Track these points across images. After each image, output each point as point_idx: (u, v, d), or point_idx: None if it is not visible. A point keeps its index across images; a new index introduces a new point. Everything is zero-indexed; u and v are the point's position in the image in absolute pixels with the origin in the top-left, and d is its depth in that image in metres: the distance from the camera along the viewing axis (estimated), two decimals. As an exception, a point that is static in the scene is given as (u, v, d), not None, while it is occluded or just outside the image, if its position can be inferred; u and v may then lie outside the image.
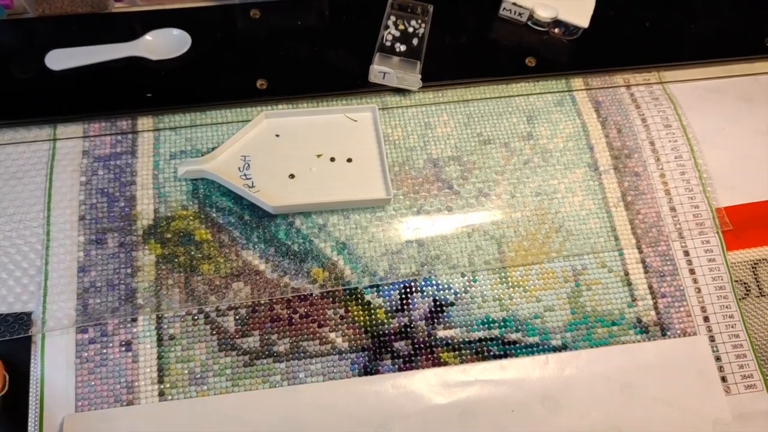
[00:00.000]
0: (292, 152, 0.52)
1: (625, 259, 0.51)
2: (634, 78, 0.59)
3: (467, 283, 0.49)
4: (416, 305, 0.49)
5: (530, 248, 0.51)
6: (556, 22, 0.59)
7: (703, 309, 0.50)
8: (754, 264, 0.51)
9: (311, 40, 0.59)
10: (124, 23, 0.58)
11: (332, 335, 0.47)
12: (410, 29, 0.58)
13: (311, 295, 0.48)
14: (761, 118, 0.58)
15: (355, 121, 0.55)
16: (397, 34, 0.57)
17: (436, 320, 0.48)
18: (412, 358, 0.47)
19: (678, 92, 0.58)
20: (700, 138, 0.56)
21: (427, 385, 0.46)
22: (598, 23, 0.59)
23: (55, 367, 0.45)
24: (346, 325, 0.48)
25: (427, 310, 0.49)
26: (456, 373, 0.46)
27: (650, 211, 0.53)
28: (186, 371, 0.46)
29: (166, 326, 0.47)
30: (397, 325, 0.48)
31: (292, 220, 0.51)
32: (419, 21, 0.58)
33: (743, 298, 0.50)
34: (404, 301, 0.49)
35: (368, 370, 0.47)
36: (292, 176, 0.51)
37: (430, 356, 0.47)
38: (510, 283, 0.50)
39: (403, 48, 0.56)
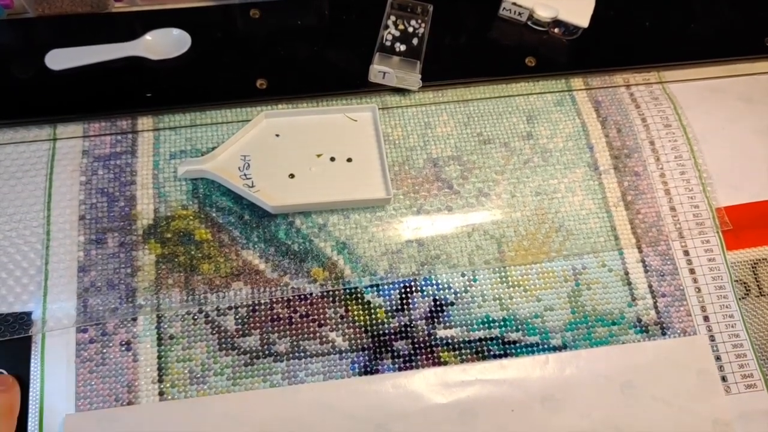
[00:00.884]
0: (292, 152, 0.52)
1: (625, 258, 0.51)
2: (633, 78, 0.59)
3: (467, 283, 0.49)
4: (416, 305, 0.49)
5: (530, 248, 0.51)
6: (556, 22, 0.59)
7: (703, 309, 0.50)
8: (754, 264, 0.51)
9: (311, 40, 0.59)
10: (124, 23, 0.58)
11: (332, 335, 0.47)
12: (410, 29, 0.58)
13: (311, 294, 0.48)
14: (761, 118, 0.58)
15: (355, 121, 0.55)
16: (397, 34, 0.57)
17: (436, 320, 0.48)
18: (412, 357, 0.47)
19: (678, 92, 0.58)
20: (700, 138, 0.56)
21: (427, 384, 0.46)
22: (598, 23, 0.59)
23: (55, 366, 0.45)
24: (346, 325, 0.48)
25: (427, 309, 0.49)
26: (456, 373, 0.47)
27: (650, 211, 0.53)
28: (186, 371, 0.46)
29: (166, 326, 0.47)
30: (397, 324, 0.48)
31: (292, 219, 0.51)
32: (419, 21, 0.58)
33: (743, 298, 0.50)
34: (404, 301, 0.49)
35: (368, 370, 0.47)
36: (291, 176, 0.51)
37: (430, 356, 0.47)
38: (510, 283, 0.50)
39: (403, 48, 0.56)
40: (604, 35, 0.60)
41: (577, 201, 0.53)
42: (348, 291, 0.49)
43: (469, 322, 0.48)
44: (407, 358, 0.47)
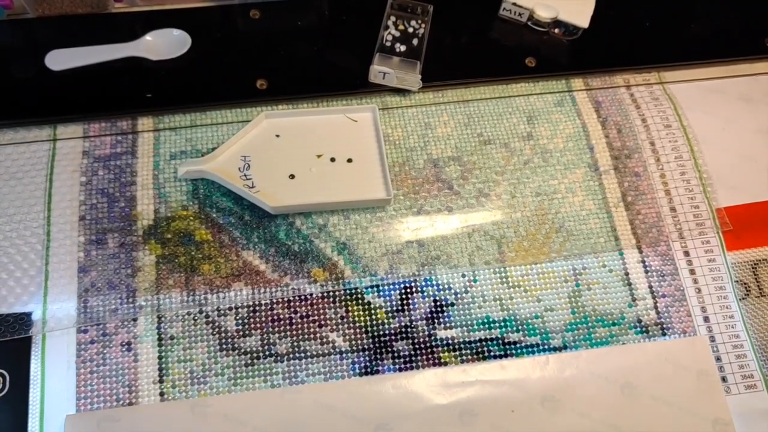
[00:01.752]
0: (292, 152, 0.52)
1: (625, 259, 0.51)
2: (634, 78, 0.59)
3: (467, 284, 0.49)
4: (416, 305, 0.49)
5: (530, 248, 0.51)
6: (556, 23, 0.59)
7: (703, 309, 0.50)
8: (754, 264, 0.51)
9: (311, 40, 0.59)
10: (124, 23, 0.58)
11: (332, 335, 0.47)
12: (410, 29, 0.58)
13: (311, 295, 0.48)
14: (761, 118, 0.58)
15: (355, 121, 0.54)
16: (397, 34, 0.57)
17: (436, 320, 0.48)
18: (413, 358, 0.47)
19: (678, 92, 0.58)
20: (700, 138, 0.56)
21: (428, 385, 0.46)
22: (598, 23, 0.59)
23: (55, 367, 0.45)
24: (346, 326, 0.48)
25: (428, 310, 0.49)
26: (456, 374, 0.47)
27: (650, 212, 0.53)
28: (187, 371, 0.46)
29: (166, 326, 0.47)
30: (397, 325, 0.48)
31: (292, 220, 0.51)
32: (419, 21, 0.58)
33: (743, 298, 0.50)
34: (404, 302, 0.49)
35: (368, 371, 0.47)
36: (292, 176, 0.51)
37: (430, 356, 0.47)
38: (510, 284, 0.50)
39: (403, 48, 0.56)
40: (604, 35, 0.60)
41: (577, 201, 0.53)
42: (348, 291, 0.49)
43: (469, 322, 0.48)
44: (407, 359, 0.47)
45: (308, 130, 0.54)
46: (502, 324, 0.48)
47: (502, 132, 0.55)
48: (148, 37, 0.57)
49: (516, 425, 0.45)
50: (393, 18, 0.58)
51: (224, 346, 0.47)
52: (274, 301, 0.48)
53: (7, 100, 0.54)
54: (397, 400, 0.45)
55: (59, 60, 0.55)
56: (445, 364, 0.47)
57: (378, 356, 0.47)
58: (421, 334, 0.48)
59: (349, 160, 0.52)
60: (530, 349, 0.48)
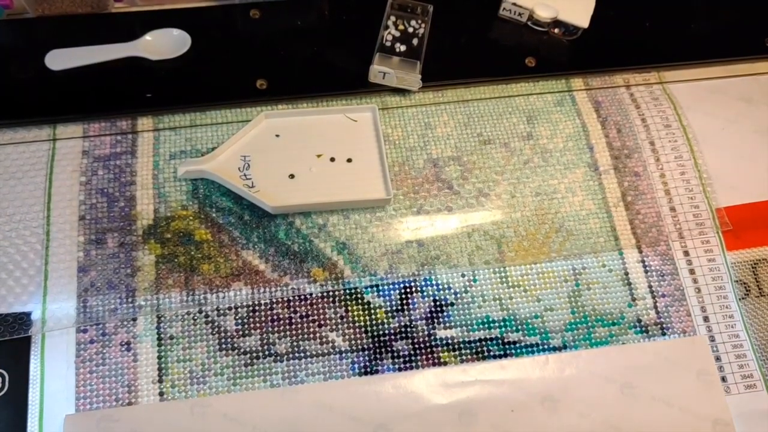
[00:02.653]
0: (292, 152, 0.52)
1: (625, 259, 0.51)
2: (634, 78, 0.59)
3: (467, 283, 0.49)
4: (416, 305, 0.49)
5: (530, 248, 0.51)
6: (556, 22, 0.59)
7: (703, 309, 0.50)
8: (754, 264, 0.51)
9: (311, 40, 0.59)
10: (124, 23, 0.58)
11: (332, 335, 0.47)
12: (410, 29, 0.58)
13: (311, 295, 0.48)
14: (761, 118, 0.58)
15: (355, 121, 0.54)
16: (397, 34, 0.57)
17: (436, 320, 0.48)
18: (412, 358, 0.47)
19: (678, 92, 0.58)
20: (700, 138, 0.56)
21: (427, 385, 0.46)
22: (598, 23, 0.59)
23: (55, 367, 0.45)
24: (346, 325, 0.48)
25: (427, 310, 0.49)
26: (456, 373, 0.46)
27: (650, 211, 0.53)
28: (186, 371, 0.46)
29: (166, 326, 0.47)
30: (397, 325, 0.48)
31: (292, 220, 0.51)
32: (419, 21, 0.58)
33: (743, 298, 0.50)
34: (404, 301, 0.49)
35: (368, 370, 0.47)
36: (292, 176, 0.51)
37: (430, 356, 0.47)
38: (510, 283, 0.50)
39: (403, 48, 0.56)
40: (604, 35, 0.60)
41: (577, 201, 0.53)
42: (348, 291, 0.49)
43: (469, 322, 0.48)
44: (407, 359, 0.47)
45: (308, 130, 0.54)
46: (502, 324, 0.48)
47: (501, 132, 0.55)
48: (148, 37, 0.57)
49: (516, 425, 0.45)
50: (393, 18, 0.58)
51: (224, 346, 0.47)
52: (274, 300, 0.48)
53: (7, 100, 0.54)
54: (397, 400, 0.45)
55: (59, 60, 0.55)
56: (445, 363, 0.47)
57: (378, 356, 0.47)
58: (420, 333, 0.48)
59: (349, 160, 0.52)
60: (530, 349, 0.48)
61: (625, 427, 0.46)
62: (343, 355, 0.47)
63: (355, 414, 0.45)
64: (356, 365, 0.47)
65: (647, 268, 0.51)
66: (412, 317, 0.48)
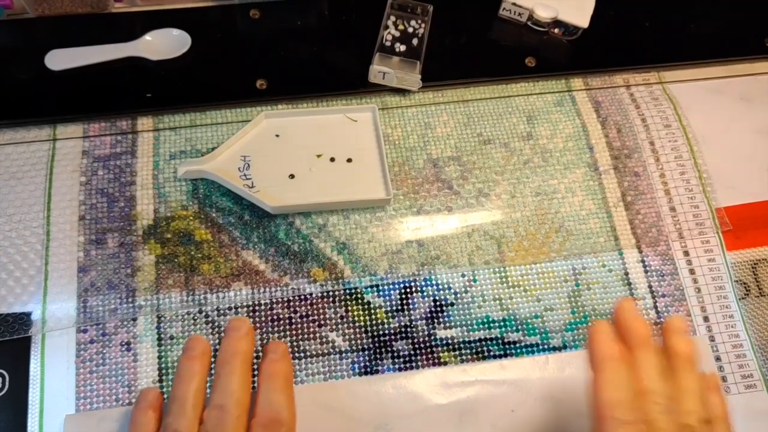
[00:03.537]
0: (292, 152, 0.52)
1: (625, 259, 0.51)
2: (633, 78, 0.59)
3: (467, 283, 0.49)
4: (416, 305, 0.49)
5: (530, 248, 0.51)
6: (556, 22, 0.59)
7: (703, 309, 0.50)
8: (754, 264, 0.51)
9: (311, 40, 0.59)
10: (123, 23, 0.58)
11: (332, 335, 0.47)
12: (410, 29, 0.58)
13: (311, 295, 0.48)
14: (761, 118, 0.58)
15: (355, 121, 0.55)
16: (397, 34, 0.57)
17: (436, 320, 0.48)
18: (412, 358, 0.47)
19: (678, 92, 0.58)
20: (700, 138, 0.56)
21: (427, 385, 0.46)
22: (598, 23, 0.59)
23: (55, 367, 0.45)
24: (346, 325, 0.48)
25: (427, 310, 0.49)
26: (456, 373, 0.47)
27: (650, 211, 0.53)
28: (186, 371, 0.46)
29: (166, 326, 0.47)
30: (397, 325, 0.48)
31: (292, 220, 0.51)
32: (419, 21, 0.58)
33: (743, 298, 0.50)
34: (404, 301, 0.49)
35: (368, 370, 0.47)
36: (292, 176, 0.51)
37: (430, 356, 0.47)
38: (510, 283, 0.50)
39: (403, 48, 0.56)
40: (604, 35, 0.60)
41: (577, 201, 0.53)
42: (348, 291, 0.49)
43: (469, 322, 0.48)
44: (407, 359, 0.47)
45: (308, 130, 0.54)
46: (502, 324, 0.48)
47: (501, 132, 0.56)
48: (147, 37, 0.57)
49: (516, 425, 0.45)
50: (393, 18, 0.58)
51: (224, 346, 0.46)
52: (274, 300, 0.48)
53: (7, 100, 0.54)
54: (397, 400, 0.45)
55: (59, 60, 0.55)
56: (445, 363, 0.47)
57: (378, 356, 0.47)
58: (420, 333, 0.48)
59: (349, 160, 0.52)
60: (530, 349, 0.48)
61: (625, 427, 0.46)
62: (343, 355, 0.47)
63: (355, 414, 0.45)
64: (356, 365, 0.47)
65: (647, 268, 0.51)
66: (412, 317, 0.48)
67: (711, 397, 0.38)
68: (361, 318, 0.48)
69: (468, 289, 0.49)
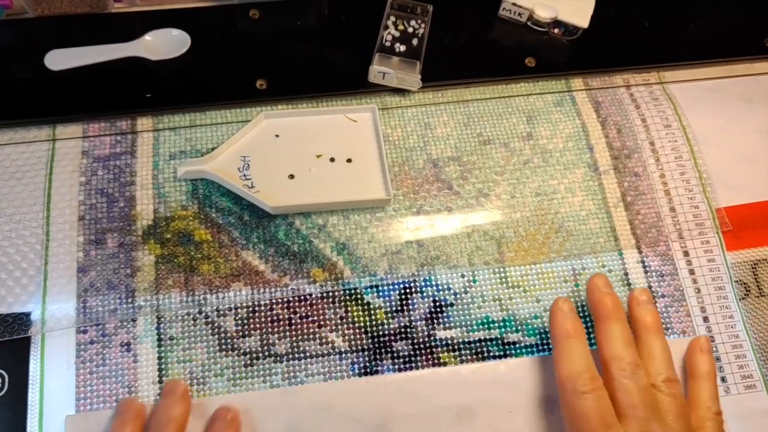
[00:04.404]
0: (292, 152, 0.52)
1: (625, 259, 0.51)
2: (633, 78, 0.59)
3: (467, 284, 0.49)
4: (416, 306, 0.49)
5: (530, 248, 0.51)
6: (556, 23, 0.59)
7: (703, 309, 0.50)
8: (754, 264, 0.51)
9: (311, 40, 0.59)
10: (123, 23, 0.58)
11: (332, 336, 0.47)
12: (410, 29, 0.58)
13: (311, 295, 0.48)
14: (761, 118, 0.58)
15: (355, 121, 0.54)
16: (397, 34, 0.57)
17: (435, 321, 0.48)
18: (412, 358, 0.47)
19: (678, 92, 0.58)
20: (700, 138, 0.56)
21: (427, 385, 0.46)
22: (598, 23, 0.59)
23: (55, 367, 0.45)
24: (345, 326, 0.48)
25: (427, 310, 0.49)
26: (456, 374, 0.47)
27: (650, 212, 0.53)
28: (186, 372, 0.46)
29: (166, 327, 0.47)
30: (396, 325, 0.48)
31: (292, 220, 0.51)
32: (419, 21, 0.58)
33: (743, 298, 0.50)
34: (404, 302, 0.49)
35: (368, 371, 0.47)
36: (291, 176, 0.51)
37: (429, 357, 0.47)
38: (510, 284, 0.50)
39: (402, 48, 0.56)
40: (604, 35, 0.60)
41: (576, 202, 0.53)
42: (348, 292, 0.49)
43: (468, 322, 0.48)
44: (407, 359, 0.47)
45: (308, 130, 0.54)
46: (502, 324, 0.48)
47: (501, 132, 0.55)
48: (147, 37, 0.57)
49: (515, 426, 0.45)
50: (393, 18, 0.58)
51: (224, 347, 0.47)
52: (274, 301, 0.48)
53: (7, 100, 0.54)
54: (397, 400, 0.45)
55: (59, 60, 0.55)
56: (445, 364, 0.47)
57: (377, 356, 0.47)
58: (420, 334, 0.48)
59: (349, 160, 0.52)
60: (530, 350, 0.48)
61: (624, 427, 0.46)
62: (343, 355, 0.47)
63: (355, 414, 0.45)
64: (356, 366, 0.47)
65: (647, 269, 0.51)
66: (412, 318, 0.48)
67: (640, 310, 0.46)
68: (361, 318, 0.48)
69: (468, 289, 0.49)
